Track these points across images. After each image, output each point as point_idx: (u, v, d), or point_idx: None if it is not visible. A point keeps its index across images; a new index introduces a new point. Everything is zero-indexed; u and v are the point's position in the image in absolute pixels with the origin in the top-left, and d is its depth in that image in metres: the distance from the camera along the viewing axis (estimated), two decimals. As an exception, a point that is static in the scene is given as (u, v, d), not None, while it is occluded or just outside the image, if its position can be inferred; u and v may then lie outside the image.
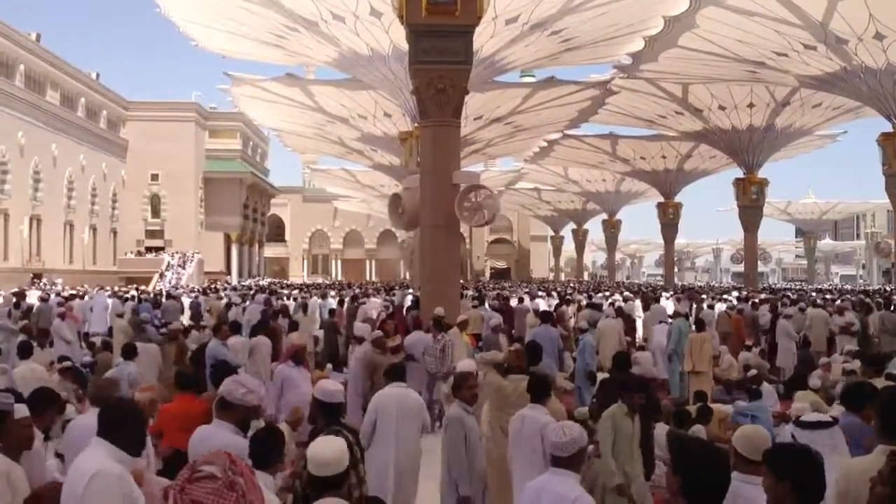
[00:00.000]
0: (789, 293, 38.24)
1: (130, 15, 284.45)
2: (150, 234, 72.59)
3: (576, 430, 4.55)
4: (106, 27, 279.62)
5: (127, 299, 26.84)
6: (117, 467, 3.95)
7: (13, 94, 51.78)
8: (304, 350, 9.45)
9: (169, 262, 64.33)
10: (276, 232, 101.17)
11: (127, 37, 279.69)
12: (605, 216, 76.15)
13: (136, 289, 39.15)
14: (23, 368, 9.61)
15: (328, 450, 4.05)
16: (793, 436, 5.58)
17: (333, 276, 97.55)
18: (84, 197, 63.50)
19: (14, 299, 23.57)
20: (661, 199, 59.20)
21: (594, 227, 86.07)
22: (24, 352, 10.21)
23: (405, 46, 19.75)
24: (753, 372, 12.76)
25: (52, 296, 28.15)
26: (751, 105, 41.33)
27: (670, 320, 18.47)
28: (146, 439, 4.20)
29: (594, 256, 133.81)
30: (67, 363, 11.49)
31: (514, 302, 25.26)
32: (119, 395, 5.00)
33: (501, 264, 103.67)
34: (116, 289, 39.42)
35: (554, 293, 34.81)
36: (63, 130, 59.62)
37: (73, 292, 33.11)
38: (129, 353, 10.53)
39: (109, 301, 25.01)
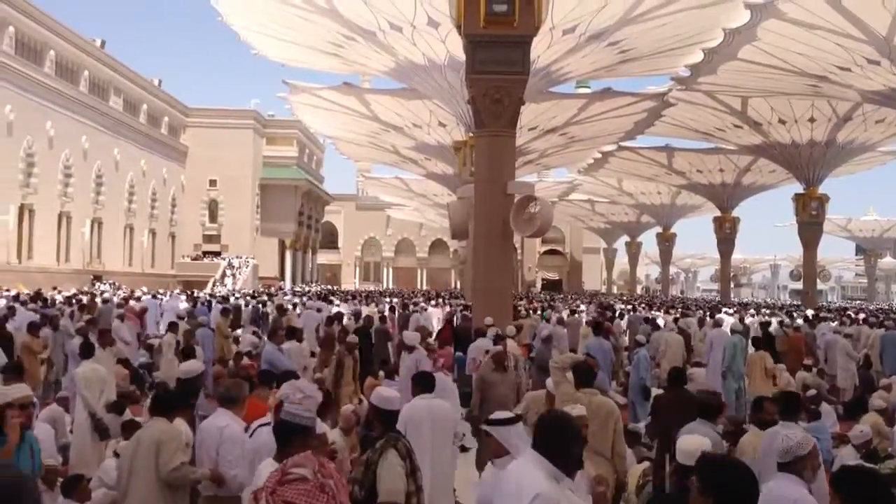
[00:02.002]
0: (850, 312, 37.38)
1: (193, 23, 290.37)
2: (208, 238, 73.76)
3: (794, 438, 4.83)
4: (169, 35, 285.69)
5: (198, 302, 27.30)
6: (556, 489, 3.61)
7: (78, 99, 53.14)
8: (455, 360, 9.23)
9: (231, 264, 65.25)
10: (330, 239, 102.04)
11: (189, 44, 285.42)
12: (659, 229, 75.34)
13: (212, 294, 39.72)
14: (85, 368, 9.80)
15: None
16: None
17: (385, 283, 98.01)
18: (144, 201, 64.83)
19: (75, 302, 24.12)
20: (718, 213, 58.39)
21: (648, 240, 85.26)
22: (87, 352, 10.40)
23: (462, 56, 19.82)
24: (812, 392, 12.48)
25: (113, 297, 28.77)
26: (812, 119, 40.57)
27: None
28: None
29: (648, 270, 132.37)
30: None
31: (565, 314, 25.12)
32: (554, 411, 4.73)
33: (553, 275, 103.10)
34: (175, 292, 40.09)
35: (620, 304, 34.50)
36: (125, 135, 60.99)
37: (124, 294, 33.78)
38: (189, 354, 10.67)
39: (182, 305, 25.43)
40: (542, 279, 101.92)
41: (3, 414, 4.99)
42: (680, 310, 31.42)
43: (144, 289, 39.91)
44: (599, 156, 53.78)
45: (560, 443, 3.67)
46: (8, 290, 31.79)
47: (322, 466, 3.32)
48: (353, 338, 12.91)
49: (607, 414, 7.12)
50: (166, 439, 5.40)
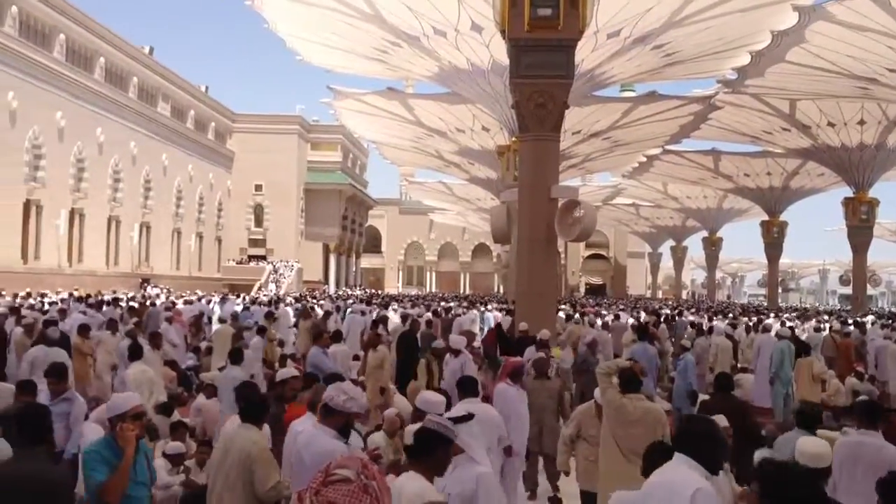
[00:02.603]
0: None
1: (239, 30, 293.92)
2: (253, 242, 74.58)
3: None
4: (215, 42, 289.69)
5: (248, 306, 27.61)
6: (711, 485, 3.95)
7: (127, 105, 54.10)
8: (522, 367, 8.82)
9: (276, 268, 65.87)
10: (373, 243, 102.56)
11: (235, 51, 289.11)
12: (705, 233, 74.55)
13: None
14: (135, 370, 9.98)
15: None
16: None
17: (428, 287, 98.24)
18: (191, 206, 65.77)
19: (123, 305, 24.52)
20: (766, 217, 57.59)
21: (694, 245, 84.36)
22: (135, 354, 10.57)
23: (505, 61, 19.81)
24: (863, 398, 12.24)
25: (162, 300, 29.24)
26: (861, 122, 39.85)
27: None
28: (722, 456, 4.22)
29: (693, 274, 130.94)
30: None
31: (609, 318, 24.97)
32: (700, 417, 4.86)
33: (597, 280, 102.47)
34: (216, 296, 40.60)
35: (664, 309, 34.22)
36: (173, 141, 61.95)
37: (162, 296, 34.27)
38: (237, 357, 10.75)
39: (238, 308, 25.74)
40: (586, 284, 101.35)
41: (117, 426, 4.96)
42: (734, 315, 31.10)
43: (199, 291, 40.59)
44: (644, 159, 53.40)
45: (709, 447, 4.02)
46: (59, 293, 32.42)
47: (365, 468, 3.37)
48: (439, 343, 12.95)
49: (654, 420, 7.04)
50: (257, 453, 5.30)
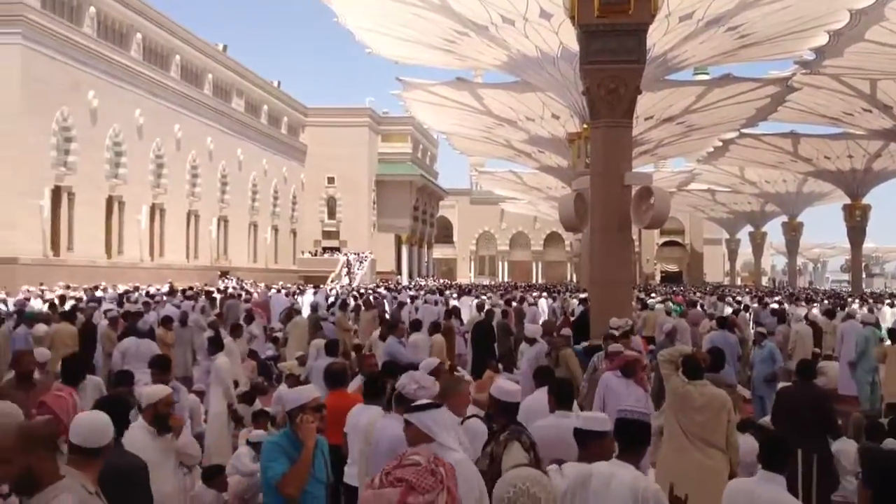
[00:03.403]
0: None
1: (310, 25, 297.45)
2: (327, 234, 75.57)
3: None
4: (287, 37, 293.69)
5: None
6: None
7: (203, 101, 55.33)
8: (635, 363, 8.59)
9: (349, 261, 66.62)
10: (445, 233, 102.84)
11: (306, 46, 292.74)
12: (785, 218, 72.74)
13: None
14: (222, 361, 10.23)
15: None
16: None
17: (500, 277, 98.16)
18: (266, 199, 66.96)
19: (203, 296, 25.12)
20: (848, 201, 55.91)
21: (773, 230, 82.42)
22: (215, 346, 10.80)
23: (575, 47, 19.64)
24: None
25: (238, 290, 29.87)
26: (948, 100, 38.38)
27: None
28: None
29: (773, 260, 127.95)
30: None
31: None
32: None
33: (672, 268, 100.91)
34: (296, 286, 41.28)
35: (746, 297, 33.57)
36: (248, 136, 63.13)
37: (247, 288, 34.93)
38: (333, 349, 10.81)
39: (317, 298, 26.14)
40: (661, 271, 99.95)
41: (297, 417, 4.88)
42: (818, 301, 30.33)
43: (281, 283, 41.42)
44: (720, 144, 52.38)
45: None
46: (137, 287, 33.35)
47: (437, 458, 3.50)
48: (566, 331, 12.96)
49: (720, 405, 7.04)
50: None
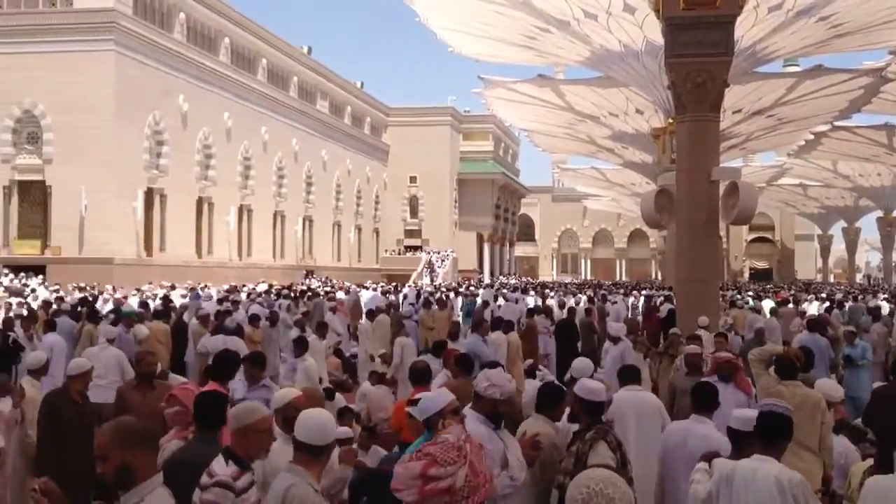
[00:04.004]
0: None
1: (392, 25, 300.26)
2: (409, 233, 76.12)
3: None
4: (369, 38, 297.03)
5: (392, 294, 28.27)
6: None
7: (288, 104, 56.39)
8: (732, 365, 8.26)
9: (431, 261, 66.95)
10: (526, 231, 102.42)
11: (389, 46, 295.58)
12: (880, 213, 70.15)
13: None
14: (308, 363, 10.39)
15: None
16: None
17: (583, 275, 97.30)
18: (350, 199, 67.86)
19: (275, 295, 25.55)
20: (948, 194, 53.62)
21: (868, 225, 79.53)
22: (302, 347, 10.93)
23: (660, 40, 19.26)
24: None
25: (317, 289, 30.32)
26: None
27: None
28: None
29: (868, 256, 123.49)
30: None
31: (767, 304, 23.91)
32: None
33: (762, 264, 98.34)
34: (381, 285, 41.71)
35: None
36: (331, 137, 64.08)
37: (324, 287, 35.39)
38: (439, 349, 10.81)
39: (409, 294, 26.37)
40: (750, 268, 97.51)
41: (436, 423, 4.69)
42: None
43: (369, 281, 41.94)
44: (811, 137, 50.79)
45: None
46: (236, 287, 34.06)
47: (467, 437, 3.68)
48: (676, 330, 12.84)
49: (813, 407, 6.81)
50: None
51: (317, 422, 3.93)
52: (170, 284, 30.90)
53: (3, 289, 28.05)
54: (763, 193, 66.20)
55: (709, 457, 4.91)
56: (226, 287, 31.34)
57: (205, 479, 3.97)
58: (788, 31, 28.07)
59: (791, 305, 22.91)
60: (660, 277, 69.69)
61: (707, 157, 16.05)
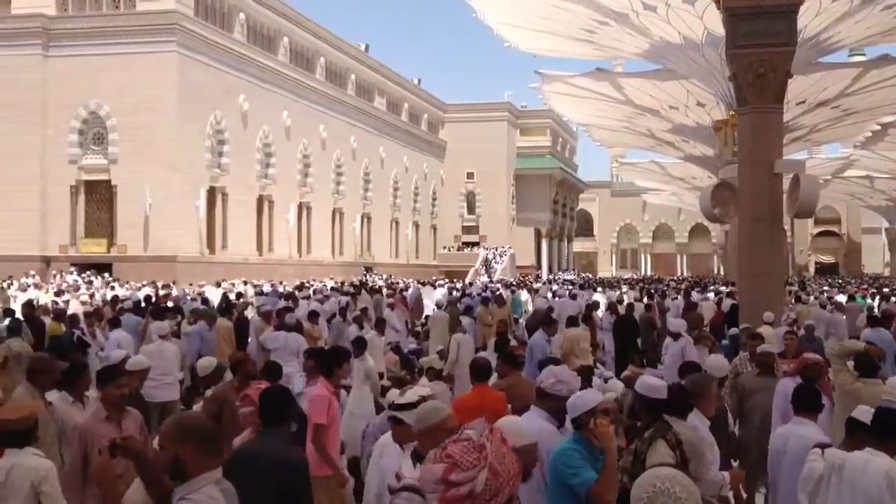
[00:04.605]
0: None
1: (448, 22, 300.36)
2: (466, 229, 76.11)
3: None
4: (426, 35, 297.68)
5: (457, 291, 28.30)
6: None
7: (346, 102, 56.82)
8: (818, 366, 7.68)
9: (487, 258, 66.85)
10: (585, 226, 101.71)
11: (445, 42, 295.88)
12: (952, 205, 68.00)
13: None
14: (370, 362, 10.47)
15: None
16: None
17: (642, 270, 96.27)
18: (407, 196, 68.12)
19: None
20: None
21: (938, 218, 77.03)
22: (360, 346, 10.98)
23: (720, 31, 18.99)
24: None
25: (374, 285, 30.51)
26: None
27: None
28: None
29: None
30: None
31: (841, 298, 23.34)
32: None
33: (828, 259, 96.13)
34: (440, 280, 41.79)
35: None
36: (389, 134, 64.38)
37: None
38: (502, 345, 10.82)
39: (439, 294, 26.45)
40: (816, 263, 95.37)
41: (587, 423, 4.62)
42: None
43: (435, 278, 42.07)
44: (878, 128, 49.48)
45: None
46: (282, 283, 34.48)
47: (491, 432, 3.51)
48: (747, 325, 12.68)
49: None
50: None
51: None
52: (242, 281, 31.54)
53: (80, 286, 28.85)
54: (828, 186, 64.73)
55: (822, 445, 4.98)
56: (296, 283, 31.74)
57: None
58: (853, 20, 27.40)
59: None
60: (722, 272, 68.61)
61: (770, 149, 15.77)
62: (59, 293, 23.65)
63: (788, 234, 67.63)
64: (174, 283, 31.10)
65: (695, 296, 23.19)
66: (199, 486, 3.22)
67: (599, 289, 32.33)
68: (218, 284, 29.46)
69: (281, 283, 30.97)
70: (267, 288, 28.59)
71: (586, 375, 8.55)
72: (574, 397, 4.83)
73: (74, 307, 18.54)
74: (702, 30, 28.05)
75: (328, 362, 7.29)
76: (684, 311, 16.77)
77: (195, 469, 3.24)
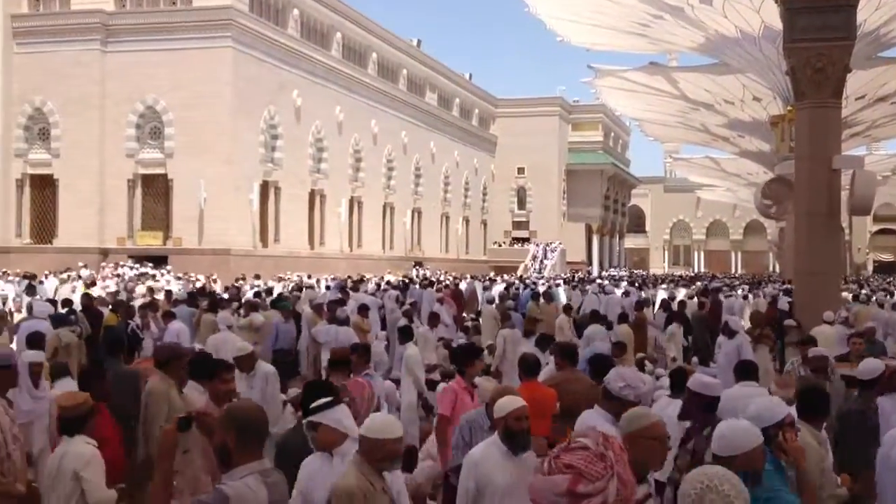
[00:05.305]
0: None
1: (500, 16, 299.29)
2: (517, 225, 75.86)
3: None
4: (478, 29, 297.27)
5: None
6: None
7: (397, 97, 56.99)
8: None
9: (535, 254, 66.58)
10: (637, 223, 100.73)
11: (497, 37, 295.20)
12: None
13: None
14: (412, 350, 10.53)
15: None
16: None
17: (696, 267, 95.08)
18: (458, 190, 68.10)
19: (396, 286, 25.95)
20: None
21: None
22: (406, 335, 11.05)
23: (778, 25, 18.69)
24: None
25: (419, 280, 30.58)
26: None
27: None
28: None
29: None
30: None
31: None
32: None
33: (887, 257, 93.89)
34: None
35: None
36: (440, 129, 64.42)
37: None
38: (545, 342, 10.83)
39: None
40: (874, 261, 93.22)
41: (777, 435, 4.25)
42: None
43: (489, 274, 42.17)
44: (941, 123, 48.09)
45: None
46: (363, 278, 34.40)
47: (605, 439, 3.47)
48: (790, 322, 12.56)
49: None
50: None
51: None
52: (306, 274, 31.87)
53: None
54: (888, 182, 63.24)
55: None
56: (356, 277, 31.96)
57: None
58: (916, 13, 26.72)
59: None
60: (778, 270, 67.49)
61: (828, 144, 15.49)
62: (90, 284, 24.17)
63: (846, 231, 66.37)
64: (214, 276, 31.49)
65: (737, 293, 22.86)
66: (241, 475, 3.27)
67: (664, 285, 32.09)
68: (280, 280, 29.89)
69: (349, 278, 31.14)
70: (330, 283, 28.84)
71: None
72: (761, 408, 4.33)
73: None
74: (759, 23, 27.59)
75: (461, 361, 7.40)
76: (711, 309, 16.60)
77: (239, 458, 3.30)
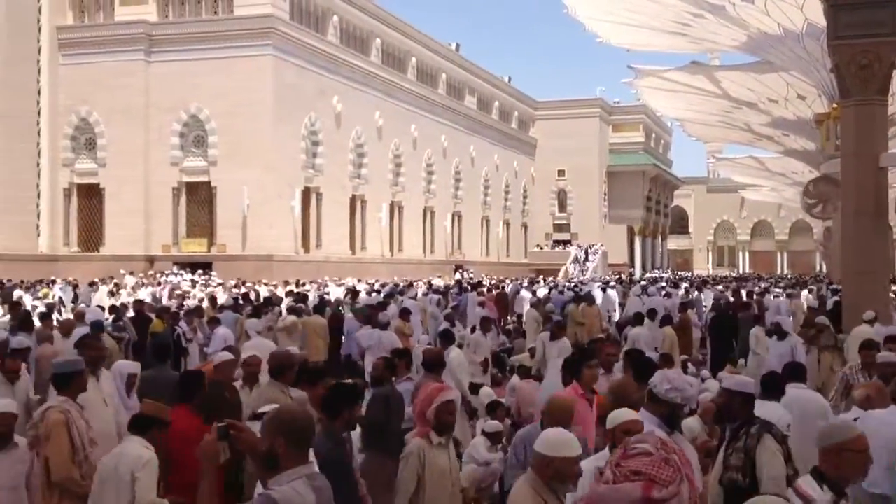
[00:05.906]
0: None
1: (539, 18, 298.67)
2: (557, 227, 75.58)
3: None
4: (516, 32, 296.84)
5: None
6: None
7: (436, 101, 57.14)
8: None
9: (577, 257, 66.21)
10: (680, 223, 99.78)
11: (536, 39, 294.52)
12: None
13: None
14: (455, 353, 10.58)
15: None
16: None
17: (740, 268, 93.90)
18: (498, 194, 68.07)
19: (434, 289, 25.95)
20: None
21: None
22: (447, 339, 11.09)
23: (822, 22, 18.42)
24: None
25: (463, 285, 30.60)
26: None
27: None
28: None
29: None
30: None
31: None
32: None
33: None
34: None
35: None
36: (479, 132, 64.45)
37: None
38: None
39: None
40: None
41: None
42: None
43: (518, 277, 42.10)
44: None
45: None
46: (411, 283, 34.46)
47: (663, 443, 3.45)
48: (822, 320, 12.42)
49: None
50: None
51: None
52: (357, 279, 32.15)
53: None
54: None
55: None
56: (404, 282, 32.11)
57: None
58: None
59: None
60: (825, 270, 66.40)
61: (875, 142, 15.25)
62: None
63: (894, 230, 64.93)
64: (253, 282, 31.80)
65: (774, 293, 22.50)
66: (289, 480, 3.30)
67: (719, 286, 31.79)
68: (325, 284, 30.18)
69: (397, 284, 31.34)
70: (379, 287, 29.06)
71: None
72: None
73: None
74: (802, 20, 27.17)
75: (575, 367, 7.20)
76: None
77: (286, 462, 3.32)
